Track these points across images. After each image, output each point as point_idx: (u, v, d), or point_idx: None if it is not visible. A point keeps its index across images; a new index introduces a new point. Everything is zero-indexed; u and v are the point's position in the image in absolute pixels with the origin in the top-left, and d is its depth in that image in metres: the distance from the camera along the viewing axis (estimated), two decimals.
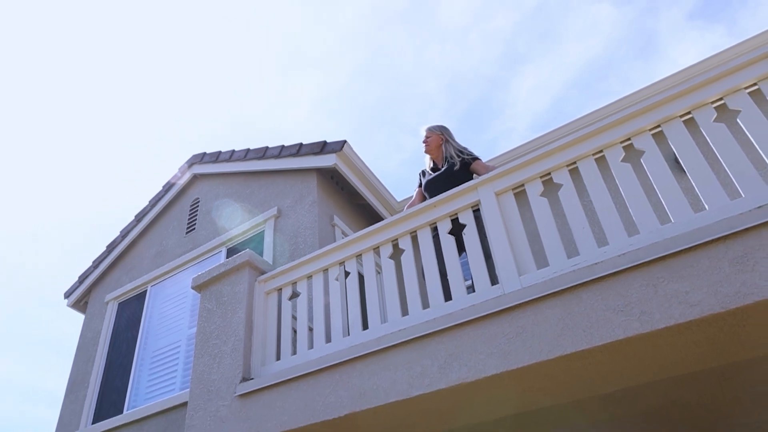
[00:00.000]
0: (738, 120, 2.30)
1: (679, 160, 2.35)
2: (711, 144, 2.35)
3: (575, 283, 2.31)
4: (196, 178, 7.21)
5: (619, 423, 3.29)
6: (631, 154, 2.56)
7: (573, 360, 2.29)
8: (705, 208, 2.22)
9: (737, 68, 2.26)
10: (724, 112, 2.34)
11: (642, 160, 2.44)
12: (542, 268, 2.51)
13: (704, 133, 2.38)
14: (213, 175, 6.98)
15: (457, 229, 3.04)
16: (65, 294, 7.45)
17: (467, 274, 3.25)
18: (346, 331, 3.44)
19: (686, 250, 2.05)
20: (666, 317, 2.06)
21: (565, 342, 2.29)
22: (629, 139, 2.46)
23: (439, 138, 4.22)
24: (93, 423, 5.78)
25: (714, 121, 2.31)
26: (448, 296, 3.16)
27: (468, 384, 2.51)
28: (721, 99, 2.32)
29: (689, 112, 2.38)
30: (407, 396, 2.67)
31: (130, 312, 6.57)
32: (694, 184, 2.30)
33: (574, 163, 2.61)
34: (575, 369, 2.37)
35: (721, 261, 2.00)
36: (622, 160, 2.44)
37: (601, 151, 2.55)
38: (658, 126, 2.44)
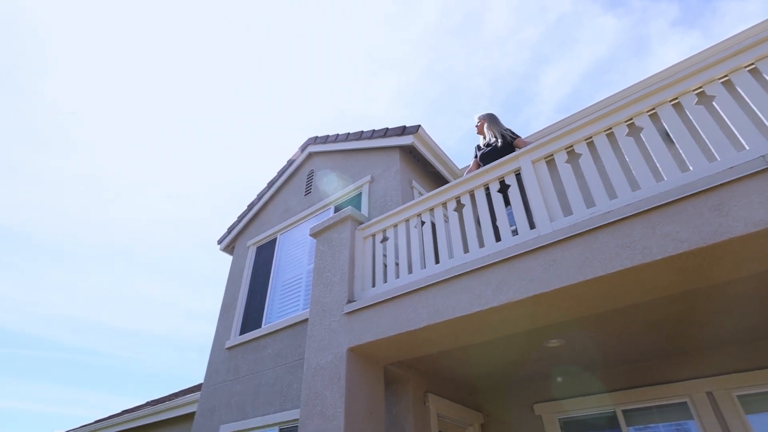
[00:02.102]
0: (714, 103, 2.41)
1: (670, 133, 2.48)
2: (694, 121, 2.49)
3: (593, 227, 2.53)
4: (310, 155, 7.78)
5: (629, 330, 3.49)
6: (633, 130, 2.68)
7: (592, 284, 2.53)
8: (690, 169, 2.36)
9: (712, 64, 2.37)
10: (703, 97, 2.44)
11: (642, 135, 2.57)
12: (568, 216, 2.72)
13: (688, 113, 2.51)
14: (323, 152, 7.52)
15: (503, 189, 3.31)
16: (218, 241, 8.24)
17: (512, 222, 3.54)
18: (423, 265, 3.80)
19: (676, 200, 2.22)
20: (662, 251, 2.28)
21: (586, 270, 2.53)
22: (632, 119, 2.59)
23: (485, 122, 4.70)
24: (240, 334, 6.49)
25: (696, 104, 2.44)
26: (498, 238, 3.48)
27: (514, 302, 2.78)
28: (700, 87, 2.44)
29: (676, 98, 2.51)
30: (469, 312, 2.96)
31: (265, 254, 7.22)
32: (681, 151, 2.44)
33: (590, 138, 2.77)
34: (594, 290, 2.60)
35: (702, 208, 2.18)
36: (626, 135, 2.60)
37: (610, 129, 2.69)
38: (653, 109, 2.57)
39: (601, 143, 2.77)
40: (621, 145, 2.69)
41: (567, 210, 3.05)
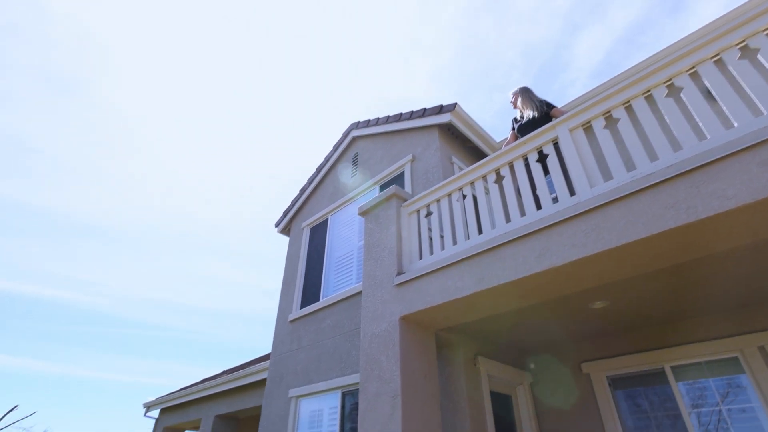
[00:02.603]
0: (758, 57, 2.25)
1: (712, 91, 2.34)
2: (737, 77, 2.33)
3: (634, 190, 2.48)
4: (354, 139, 7.94)
5: (676, 289, 3.41)
6: (673, 91, 2.55)
7: (635, 246, 2.50)
8: (734, 126, 2.24)
9: (756, 15, 2.19)
10: (747, 51, 2.26)
11: (682, 95, 2.45)
12: (608, 181, 2.67)
13: (731, 69, 2.35)
14: (365, 136, 7.64)
15: (542, 158, 3.28)
16: (275, 224, 8.63)
17: (552, 190, 3.51)
18: (467, 236, 3.86)
19: (721, 158, 2.14)
20: (707, 209, 2.21)
21: (629, 233, 2.50)
22: (671, 79, 2.46)
23: (520, 96, 4.61)
24: (300, 308, 6.84)
25: (738, 59, 2.28)
26: (539, 207, 3.47)
27: (557, 267, 2.80)
28: (743, 41, 2.27)
29: (718, 54, 2.36)
30: (513, 278, 2.99)
31: (318, 233, 7.52)
32: (724, 108, 2.30)
33: (628, 101, 2.66)
34: (637, 252, 2.57)
35: (749, 164, 2.09)
36: (665, 96, 2.49)
37: (648, 91, 2.57)
38: (693, 68, 2.43)
39: (640, 106, 2.68)
40: (660, 107, 2.59)
41: (607, 175, 2.98)
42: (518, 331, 4.69)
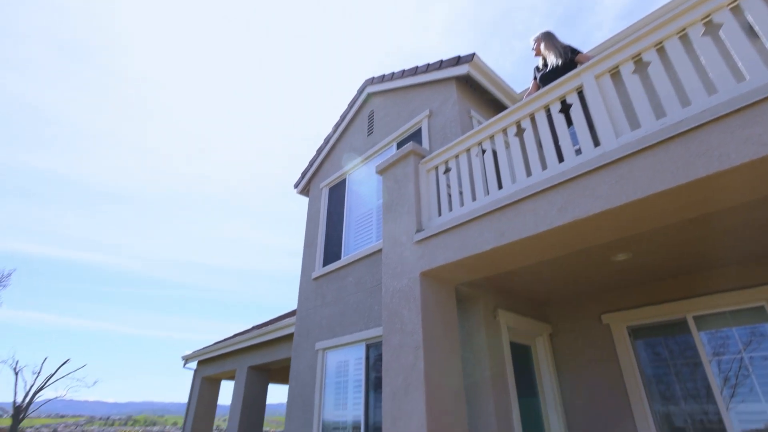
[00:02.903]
0: None
1: (754, 26, 2.14)
2: None
3: (663, 138, 2.36)
4: (369, 96, 7.73)
5: (702, 239, 3.33)
6: (711, 28, 2.34)
7: (662, 196, 2.42)
8: None
9: None
10: None
11: (720, 32, 2.25)
12: (635, 130, 2.55)
13: None
14: (381, 92, 7.42)
15: (565, 109, 3.12)
16: (294, 185, 8.69)
17: (575, 142, 3.38)
18: (486, 192, 3.81)
19: (761, 100, 2.00)
20: (741, 156, 2.09)
21: (655, 184, 2.40)
22: (709, 15, 2.26)
23: (542, 42, 4.30)
24: (323, 266, 7.00)
25: None
26: (561, 159, 3.36)
27: (580, 221, 2.74)
28: None
29: None
30: (534, 232, 2.95)
31: (337, 194, 7.53)
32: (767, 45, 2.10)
33: (660, 43, 2.47)
34: (664, 203, 2.48)
35: None
36: (702, 35, 2.29)
37: (683, 30, 2.37)
38: (735, 1, 2.21)
39: (673, 47, 2.48)
40: (696, 47, 2.40)
41: (634, 124, 2.83)
42: (538, 284, 4.71)
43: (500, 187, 4.60)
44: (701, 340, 4.10)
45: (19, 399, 16.19)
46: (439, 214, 4.01)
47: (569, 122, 3.42)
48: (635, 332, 4.59)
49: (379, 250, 5.77)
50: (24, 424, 16.02)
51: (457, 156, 3.92)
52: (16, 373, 16.60)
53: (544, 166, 4.60)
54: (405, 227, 4.11)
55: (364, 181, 6.95)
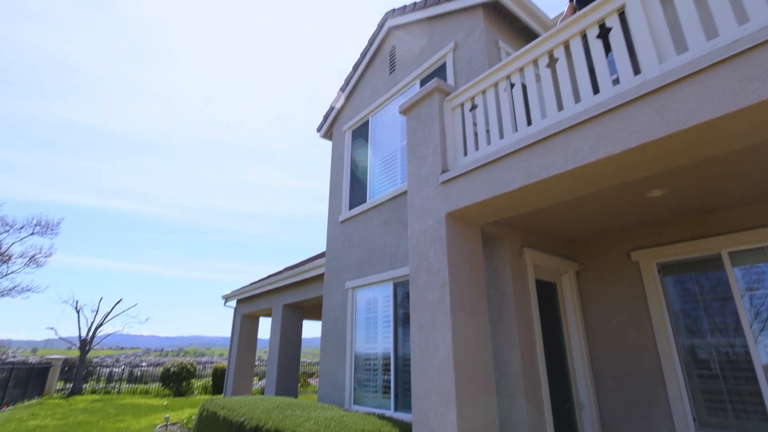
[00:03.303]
0: None
1: None
2: None
3: (713, 62, 2.15)
4: (390, 30, 7.31)
5: (745, 173, 3.14)
6: None
7: (706, 127, 2.25)
8: None
9: None
10: None
11: None
12: (681, 54, 2.33)
13: None
14: (402, 25, 6.98)
15: (603, 34, 2.86)
16: (317, 128, 8.60)
17: (613, 71, 3.13)
18: (515, 128, 3.66)
19: None
20: None
21: (700, 113, 2.23)
22: None
23: None
24: (349, 210, 7.10)
25: None
26: (596, 90, 3.15)
27: (614, 155, 2.60)
28: None
29: None
30: (564, 170, 2.84)
31: (360, 136, 7.42)
32: None
33: None
34: (708, 134, 2.32)
35: None
36: None
37: None
38: None
39: None
40: None
41: (681, 47, 2.58)
42: (566, 222, 4.63)
43: (529, 123, 4.40)
44: (735, 275, 4.02)
45: (83, 334, 17.93)
46: (465, 154, 3.91)
47: (607, 50, 3.15)
48: (665, 269, 4.53)
49: (405, 192, 5.77)
50: (90, 355, 17.84)
51: (484, 92, 3.74)
52: (78, 312, 18.25)
53: (577, 99, 4.34)
54: (430, 168, 4.05)
55: (387, 122, 6.79)
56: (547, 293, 4.86)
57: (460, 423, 3.17)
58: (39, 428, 9.18)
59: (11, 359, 15.09)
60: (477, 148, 3.91)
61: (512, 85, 3.49)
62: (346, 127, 7.82)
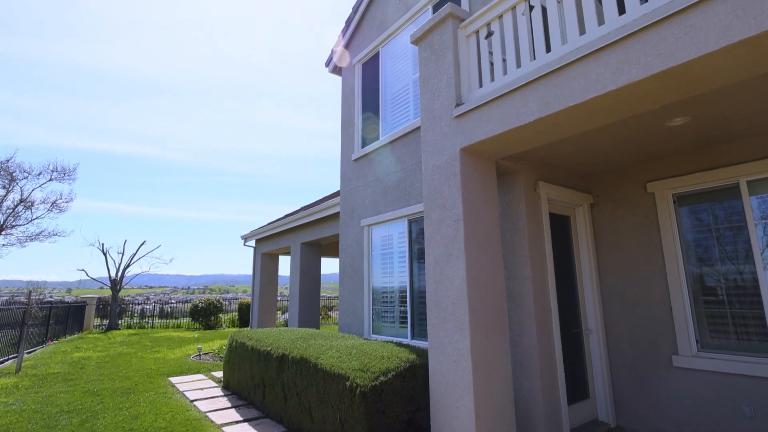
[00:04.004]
0: None
1: None
2: None
3: None
4: None
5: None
6: None
7: (739, 47, 2.12)
8: None
9: None
10: None
11: None
12: None
13: None
14: None
15: None
16: (325, 63, 8.27)
17: None
18: (533, 56, 3.49)
19: None
20: None
21: (732, 32, 2.10)
22: None
23: None
24: (362, 147, 7.00)
25: None
26: (622, 10, 2.95)
27: (637, 82, 2.49)
28: None
29: None
30: (582, 99, 2.74)
31: (371, 70, 7.13)
32: None
33: None
34: (739, 56, 2.18)
35: None
36: None
37: None
38: None
39: None
40: None
41: None
42: (582, 155, 4.57)
43: (548, 50, 4.20)
44: (751, 204, 4.00)
45: (113, 274, 18.93)
46: (480, 85, 3.78)
47: None
48: (680, 199, 4.51)
49: (418, 128, 5.68)
50: (121, 293, 18.98)
51: (500, 16, 3.52)
52: (105, 254, 19.12)
53: (601, 21, 4.07)
54: (443, 101, 3.95)
55: (398, 54, 6.50)
56: (561, 226, 4.92)
57: (473, 348, 3.39)
58: (83, 359, 10.06)
59: (49, 299, 16.16)
60: (493, 79, 3.78)
61: (531, 8, 3.28)
62: (355, 61, 7.52)
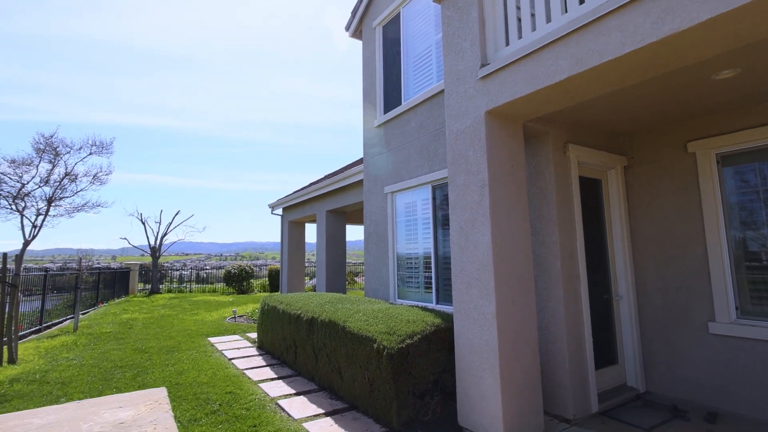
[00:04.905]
0: None
1: None
2: None
3: None
4: None
5: None
6: None
7: None
8: None
9: None
10: None
11: None
12: None
13: None
14: None
15: None
16: (345, 27, 7.98)
17: None
18: (563, 9, 3.26)
19: None
20: None
21: None
22: None
23: None
24: (384, 113, 6.92)
25: None
26: None
27: (679, 33, 2.29)
28: None
29: None
30: (619, 54, 2.55)
31: (392, 32, 6.88)
32: None
33: None
34: None
35: None
36: None
37: None
38: None
39: None
40: None
41: None
42: (617, 114, 4.31)
43: (581, 1, 3.88)
44: None
45: (152, 242, 19.85)
46: (507, 44, 3.58)
47: None
48: (724, 159, 4.22)
49: (441, 92, 5.50)
50: (160, 260, 19.97)
51: None
52: (143, 223, 20.01)
53: None
54: (468, 62, 3.78)
55: (420, 14, 6.20)
56: (591, 189, 4.73)
57: (499, 313, 3.38)
58: (131, 320, 10.76)
59: (97, 265, 17.26)
60: (520, 37, 3.55)
61: None
62: (375, 23, 7.24)
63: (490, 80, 3.54)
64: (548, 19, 3.49)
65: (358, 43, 8.05)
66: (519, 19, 3.65)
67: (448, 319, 4.15)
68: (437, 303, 5.53)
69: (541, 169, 4.26)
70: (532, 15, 3.61)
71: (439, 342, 3.90)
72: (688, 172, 4.40)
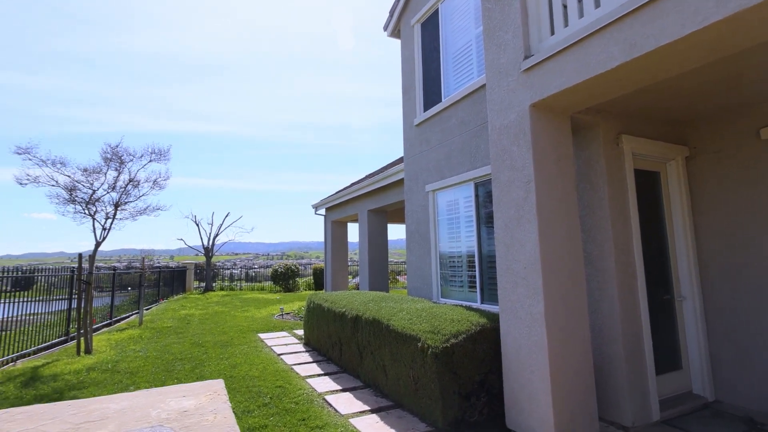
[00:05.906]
0: None
1: None
2: None
3: None
4: None
5: None
6: None
7: None
8: None
9: None
10: None
11: None
12: None
13: None
14: None
15: None
16: (383, 27, 8.00)
17: None
18: None
19: None
20: None
21: None
22: None
23: None
24: (424, 111, 6.82)
25: None
26: None
27: (750, 8, 2.08)
28: None
29: None
30: (678, 37, 2.36)
31: (430, 29, 6.77)
32: None
33: None
34: None
35: None
36: None
37: None
38: None
39: None
40: None
41: None
42: (676, 101, 4.00)
43: None
44: None
45: (205, 243, 20.90)
46: (552, 33, 3.44)
47: None
48: None
49: (482, 86, 5.35)
50: (213, 260, 20.99)
51: None
52: (197, 225, 21.10)
53: None
54: (510, 55, 3.65)
55: (459, 9, 6.06)
56: (648, 183, 4.42)
57: (548, 312, 3.24)
58: (188, 316, 11.36)
59: (157, 265, 18.44)
60: (566, 24, 3.37)
61: None
62: (414, 21, 7.17)
63: (534, 72, 3.40)
64: (597, 4, 3.28)
65: (397, 42, 8.00)
66: (564, 6, 3.48)
67: (493, 318, 4.03)
68: (482, 302, 5.39)
69: (592, 163, 4.04)
70: (579, 1, 3.41)
71: (485, 342, 3.79)
72: (759, 162, 4.01)
